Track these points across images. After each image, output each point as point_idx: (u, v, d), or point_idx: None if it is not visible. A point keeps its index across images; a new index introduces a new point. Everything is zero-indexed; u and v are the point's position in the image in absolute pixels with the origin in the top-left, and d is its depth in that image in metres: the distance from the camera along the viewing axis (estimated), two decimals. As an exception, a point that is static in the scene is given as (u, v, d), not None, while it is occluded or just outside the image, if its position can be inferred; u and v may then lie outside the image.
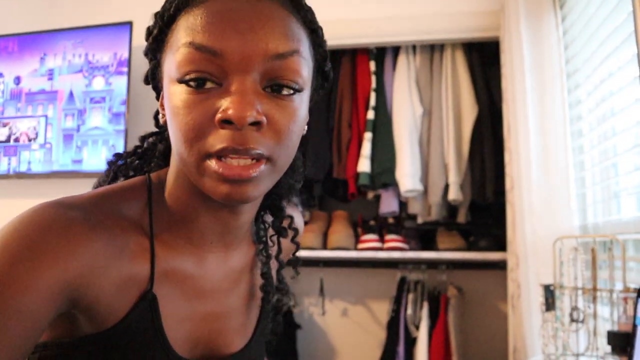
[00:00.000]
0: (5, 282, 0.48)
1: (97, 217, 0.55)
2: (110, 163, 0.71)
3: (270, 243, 0.73)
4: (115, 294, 0.57)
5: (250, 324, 0.70)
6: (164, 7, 0.58)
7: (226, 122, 0.52)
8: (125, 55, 2.08)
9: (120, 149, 2.04)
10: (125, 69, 2.07)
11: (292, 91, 0.55)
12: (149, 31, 0.61)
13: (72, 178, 2.19)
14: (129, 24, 2.08)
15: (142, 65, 2.37)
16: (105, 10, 2.28)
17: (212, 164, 0.53)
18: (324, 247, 1.98)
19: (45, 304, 0.50)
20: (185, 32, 0.54)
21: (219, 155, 0.52)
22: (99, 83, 2.12)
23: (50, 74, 2.18)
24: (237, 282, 0.69)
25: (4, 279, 0.48)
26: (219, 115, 0.52)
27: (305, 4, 0.60)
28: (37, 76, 2.19)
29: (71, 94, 2.15)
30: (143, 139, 0.73)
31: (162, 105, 0.62)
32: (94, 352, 0.57)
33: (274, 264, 0.74)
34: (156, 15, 0.59)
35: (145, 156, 0.71)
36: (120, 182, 0.65)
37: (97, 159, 2.09)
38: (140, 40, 2.11)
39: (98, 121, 2.10)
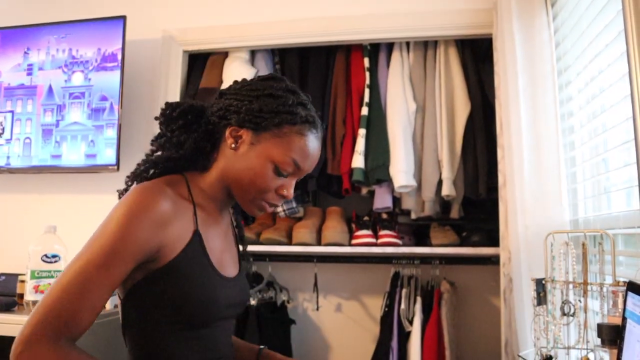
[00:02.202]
0: (134, 234, 0.88)
1: (166, 193, 0.94)
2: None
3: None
4: (178, 236, 0.94)
5: (237, 258, 1.14)
6: (289, 107, 0.99)
7: (282, 196, 1.03)
8: (110, 50, 2.07)
9: (99, 144, 2.05)
10: (109, 65, 2.07)
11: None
12: (263, 109, 0.99)
13: (51, 173, 2.19)
14: (122, 18, 2.07)
15: (134, 60, 2.35)
16: (91, 4, 2.27)
17: (264, 204, 1.03)
18: (318, 242, 1.99)
19: (149, 244, 0.90)
20: (294, 147, 0.99)
21: (270, 203, 1.03)
22: (78, 78, 2.12)
23: (30, 69, 2.17)
24: (227, 232, 1.12)
25: (134, 232, 0.88)
26: (282, 191, 1.02)
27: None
28: (21, 70, 2.18)
29: (50, 89, 2.14)
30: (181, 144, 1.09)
31: (237, 130, 1.00)
32: (164, 280, 0.93)
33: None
34: (280, 106, 0.99)
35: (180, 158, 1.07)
36: (166, 177, 1.02)
37: (76, 154, 2.09)
38: (132, 35, 2.12)
39: (77, 117, 2.10)
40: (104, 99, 2.07)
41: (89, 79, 2.10)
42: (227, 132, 1.01)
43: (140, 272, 0.92)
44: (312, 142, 1.01)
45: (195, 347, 0.98)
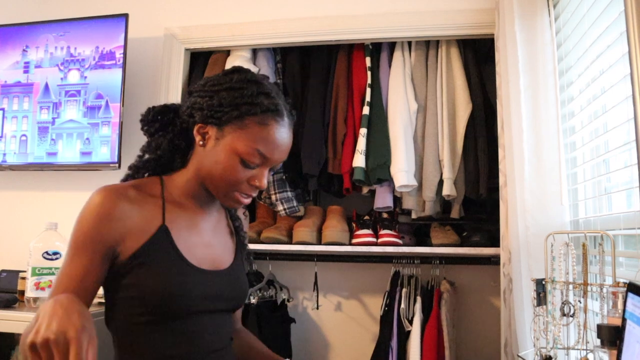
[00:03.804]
0: (89, 229, 0.95)
1: (128, 192, 1.00)
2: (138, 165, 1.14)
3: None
4: (139, 230, 0.98)
5: (231, 252, 1.15)
6: (249, 98, 0.99)
7: (255, 187, 1.04)
8: (108, 48, 2.08)
9: (94, 142, 2.06)
10: (107, 63, 2.08)
11: (273, 172, 1.11)
12: (223, 103, 1.00)
13: (47, 170, 2.20)
14: (125, 16, 2.07)
15: (136, 58, 2.35)
16: (91, 2, 2.27)
17: (238, 196, 1.04)
18: (319, 241, 1.99)
19: (106, 237, 0.96)
20: (257, 137, 0.99)
21: (243, 193, 1.04)
22: (74, 76, 2.12)
23: (27, 67, 2.18)
24: (217, 227, 1.14)
25: (89, 228, 0.95)
26: (254, 182, 1.03)
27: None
28: (18, 68, 2.19)
29: (46, 87, 2.15)
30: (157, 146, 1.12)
31: (203, 127, 1.03)
32: (131, 272, 0.97)
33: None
34: (239, 98, 0.99)
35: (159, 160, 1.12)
36: (139, 180, 1.08)
37: (71, 152, 2.10)
38: (133, 33, 2.12)
39: (73, 114, 2.11)
40: (99, 97, 2.08)
41: (85, 77, 2.11)
42: (195, 130, 1.03)
43: (111, 268, 0.98)
44: (278, 130, 1.01)
45: (171, 340, 0.98)
